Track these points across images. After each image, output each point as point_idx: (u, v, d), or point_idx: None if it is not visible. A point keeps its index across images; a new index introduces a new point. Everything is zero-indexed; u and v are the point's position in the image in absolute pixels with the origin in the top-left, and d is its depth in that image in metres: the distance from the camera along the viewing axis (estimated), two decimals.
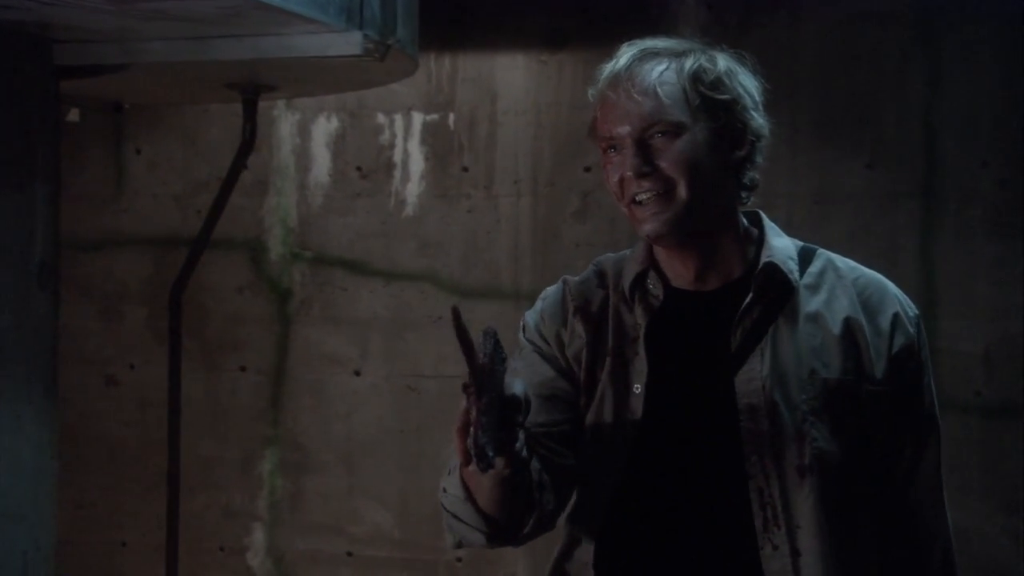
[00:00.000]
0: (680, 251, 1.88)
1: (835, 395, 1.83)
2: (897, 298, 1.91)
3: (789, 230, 1.97)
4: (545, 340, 1.94)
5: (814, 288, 1.89)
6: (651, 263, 1.92)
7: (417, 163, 4.36)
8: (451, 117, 4.34)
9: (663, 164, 1.81)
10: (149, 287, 4.47)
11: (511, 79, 4.31)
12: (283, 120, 4.45)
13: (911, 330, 1.89)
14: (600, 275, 1.98)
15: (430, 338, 4.31)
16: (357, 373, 4.39)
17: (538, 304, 2.01)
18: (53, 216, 3.07)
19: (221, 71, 3.23)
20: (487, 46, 4.32)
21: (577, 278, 1.99)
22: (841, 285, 1.90)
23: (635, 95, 1.81)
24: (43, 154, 3.03)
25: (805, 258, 1.92)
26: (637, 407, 1.86)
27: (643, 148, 1.81)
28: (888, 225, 4.05)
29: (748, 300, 1.85)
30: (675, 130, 1.81)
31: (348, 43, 2.84)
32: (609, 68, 1.87)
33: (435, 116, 4.36)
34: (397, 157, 4.38)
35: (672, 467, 1.85)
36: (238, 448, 4.45)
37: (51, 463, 3.04)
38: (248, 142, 3.60)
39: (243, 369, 4.45)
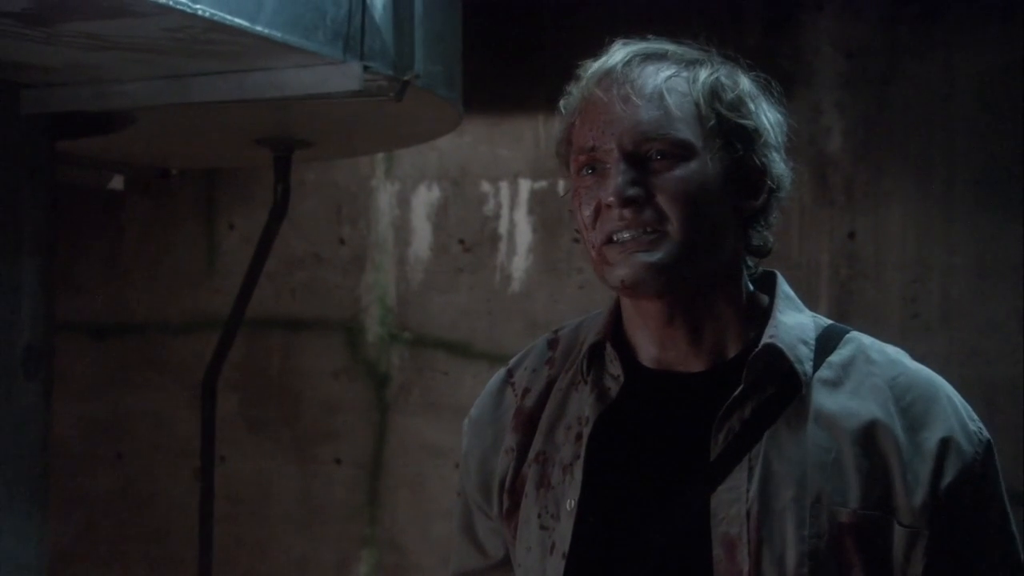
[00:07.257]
0: (657, 315, 1.41)
1: (850, 534, 1.33)
2: (954, 409, 1.39)
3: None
4: (476, 499, 1.56)
5: (834, 384, 1.39)
6: (612, 333, 1.46)
7: (524, 235, 3.98)
8: (560, 184, 3.94)
9: (658, 193, 1.35)
10: (240, 372, 4.17)
11: None
12: (382, 190, 4.12)
13: (971, 452, 1.36)
14: (551, 346, 1.54)
15: None
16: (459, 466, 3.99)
17: (465, 426, 1.60)
18: (44, 293, 2.70)
19: (239, 123, 2.88)
20: None
21: (525, 356, 1.56)
22: (872, 384, 1.39)
23: (634, 97, 1.37)
24: (32, 222, 2.67)
25: (827, 342, 1.42)
26: (567, 530, 1.41)
27: (636, 166, 1.36)
28: None
29: (737, 393, 1.38)
30: (681, 152, 1.36)
31: (346, 77, 2.38)
32: (598, 65, 1.42)
33: (543, 183, 3.98)
34: (503, 228, 4.00)
35: None
36: (333, 549, 4.10)
37: None
38: (280, 205, 3.22)
39: (338, 462, 4.11)
